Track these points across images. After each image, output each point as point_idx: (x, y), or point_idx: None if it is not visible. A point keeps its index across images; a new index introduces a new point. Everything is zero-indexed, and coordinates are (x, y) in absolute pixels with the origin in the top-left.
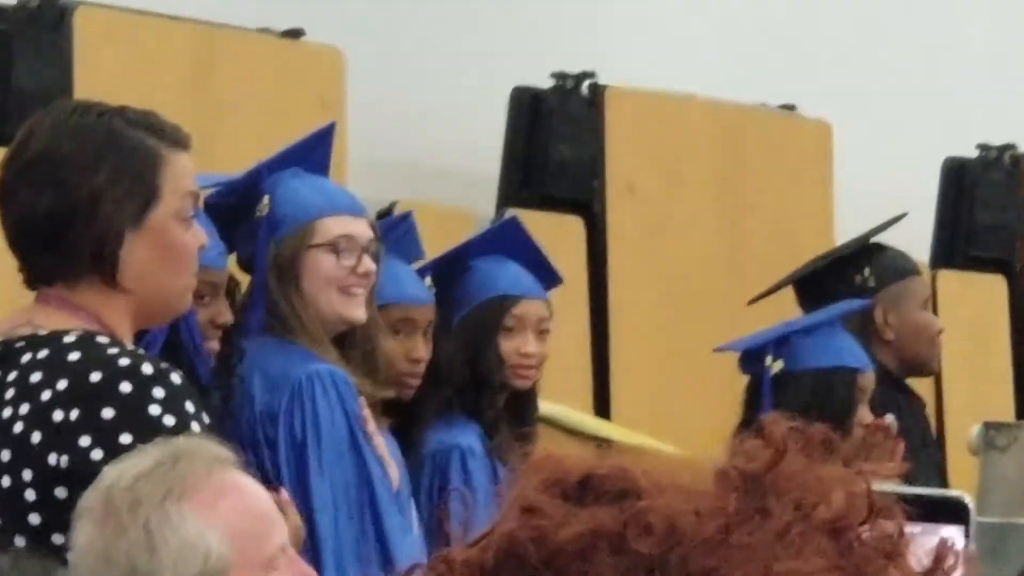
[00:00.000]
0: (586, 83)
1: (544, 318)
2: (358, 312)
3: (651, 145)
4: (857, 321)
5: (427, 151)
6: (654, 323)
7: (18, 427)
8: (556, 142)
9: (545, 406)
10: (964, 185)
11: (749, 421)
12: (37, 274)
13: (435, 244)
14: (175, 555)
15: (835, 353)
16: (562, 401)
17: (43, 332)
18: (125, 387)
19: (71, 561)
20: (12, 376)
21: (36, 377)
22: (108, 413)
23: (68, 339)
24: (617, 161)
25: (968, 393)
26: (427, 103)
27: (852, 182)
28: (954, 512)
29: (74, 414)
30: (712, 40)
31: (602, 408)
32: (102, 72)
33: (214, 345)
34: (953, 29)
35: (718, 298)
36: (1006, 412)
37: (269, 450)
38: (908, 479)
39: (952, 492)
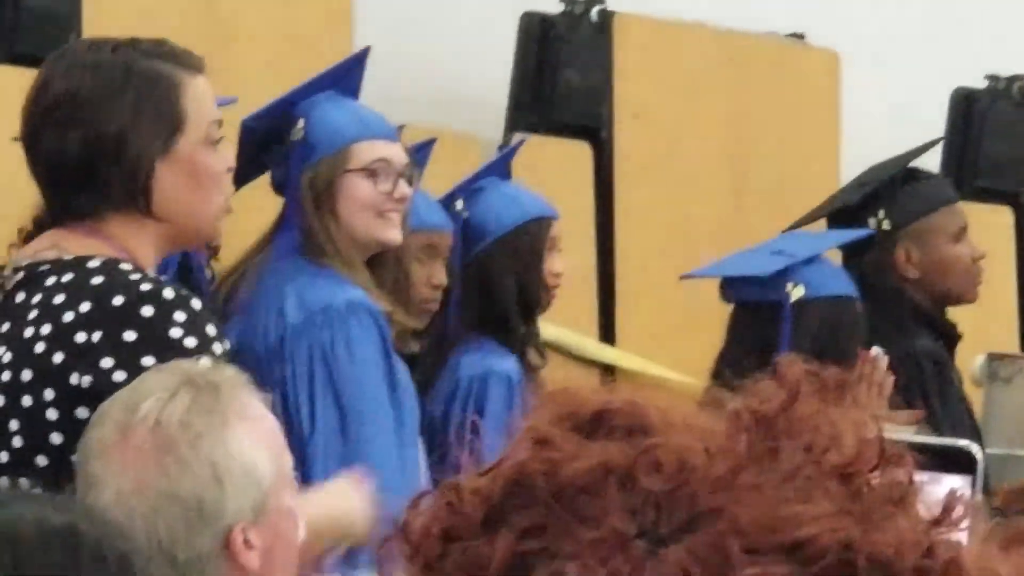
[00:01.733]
0: (595, 9)
1: (560, 236)
2: (394, 234)
3: (659, 72)
4: (874, 259)
5: (435, 76)
6: (660, 249)
7: (40, 347)
8: (564, 68)
9: (550, 330)
10: (972, 116)
11: (757, 347)
12: (70, 212)
13: (442, 169)
14: (238, 484)
15: (840, 281)
16: (567, 326)
17: (68, 256)
18: (147, 311)
19: (101, 502)
20: (37, 298)
21: (59, 299)
22: (130, 336)
23: (92, 264)
24: (625, 88)
25: (972, 324)
26: (436, 28)
27: (859, 112)
28: (962, 462)
29: (96, 336)
30: None
31: (607, 333)
32: None
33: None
34: None
35: (724, 225)
36: (1011, 344)
37: (293, 366)
38: (937, 426)
39: (960, 442)
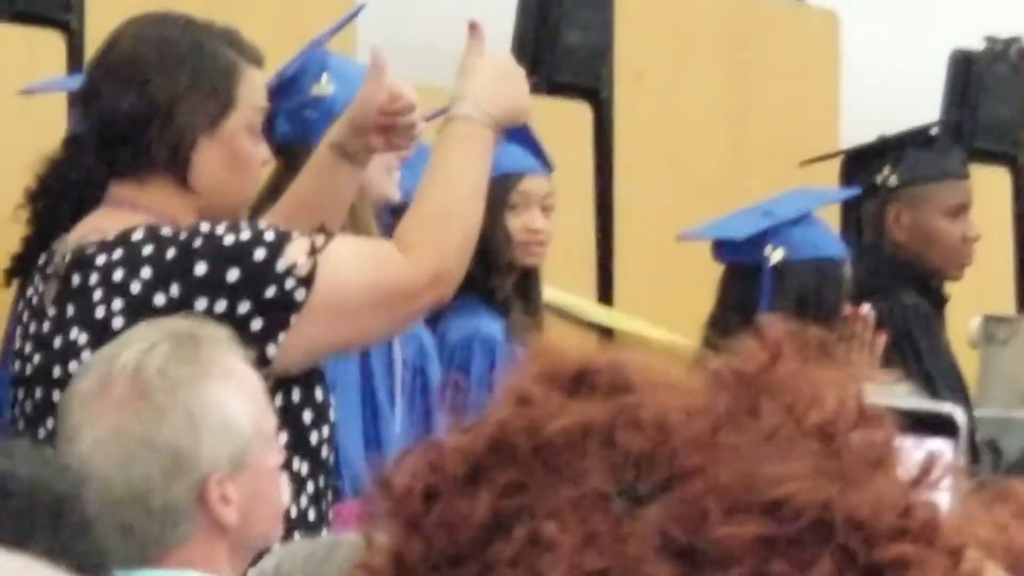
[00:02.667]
0: None
1: (548, 194)
2: (396, 191)
3: (660, 33)
4: (869, 212)
5: (437, 34)
6: (659, 211)
7: (118, 322)
8: (566, 28)
9: (548, 292)
10: (970, 77)
11: (741, 309)
12: (112, 168)
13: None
14: (214, 434)
15: (826, 242)
16: (566, 288)
17: (111, 235)
18: (197, 242)
19: (80, 452)
20: (94, 279)
21: (119, 275)
22: (201, 269)
23: (136, 236)
24: (626, 48)
25: (969, 286)
26: None
27: (858, 73)
28: (944, 426)
29: (174, 290)
30: None
31: (605, 295)
32: None
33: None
34: None
35: (724, 187)
36: (1007, 305)
37: None
38: (928, 378)
39: (943, 406)
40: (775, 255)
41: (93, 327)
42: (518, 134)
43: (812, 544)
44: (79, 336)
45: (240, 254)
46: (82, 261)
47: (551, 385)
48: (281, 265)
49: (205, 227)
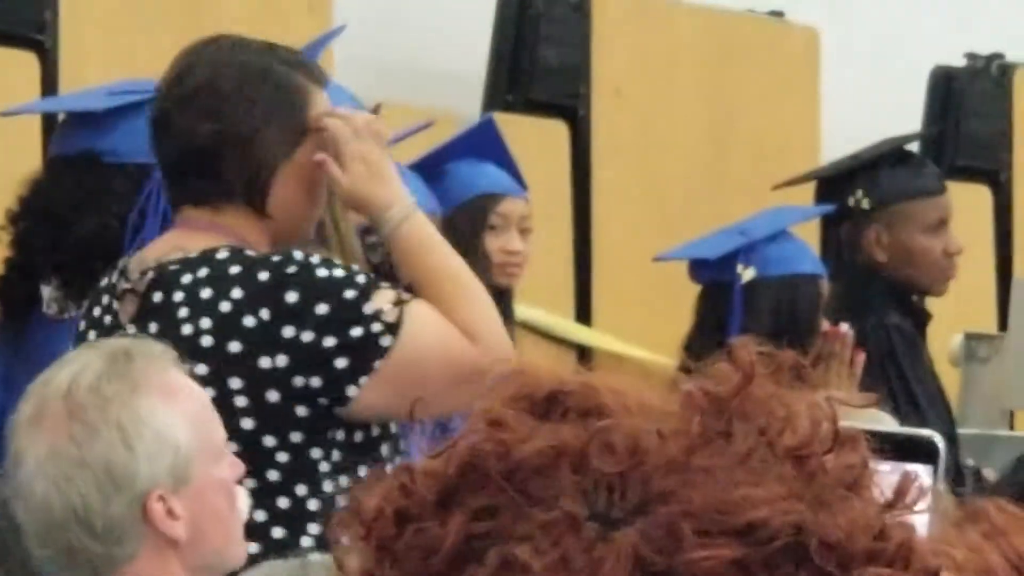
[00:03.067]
0: None
1: (526, 216)
2: None
3: (638, 50)
4: (847, 235)
5: (413, 52)
6: (638, 229)
7: (207, 340)
8: (542, 45)
9: (526, 311)
10: (951, 94)
11: (716, 329)
12: (187, 196)
13: (419, 146)
14: (150, 449)
15: (800, 259)
16: (544, 306)
17: (193, 253)
18: (291, 269)
19: (23, 476)
20: (179, 296)
21: (206, 293)
22: (292, 297)
23: (221, 255)
24: (604, 66)
25: (950, 304)
26: (414, 5)
27: (839, 89)
28: (924, 451)
29: (264, 314)
30: None
31: (583, 314)
32: None
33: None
34: None
35: (703, 205)
36: (988, 323)
37: None
38: (913, 400)
39: (922, 431)
40: (746, 273)
41: (179, 344)
42: (495, 153)
43: (786, 567)
44: None
45: (331, 290)
46: (165, 278)
47: (523, 408)
48: (369, 308)
49: (299, 255)
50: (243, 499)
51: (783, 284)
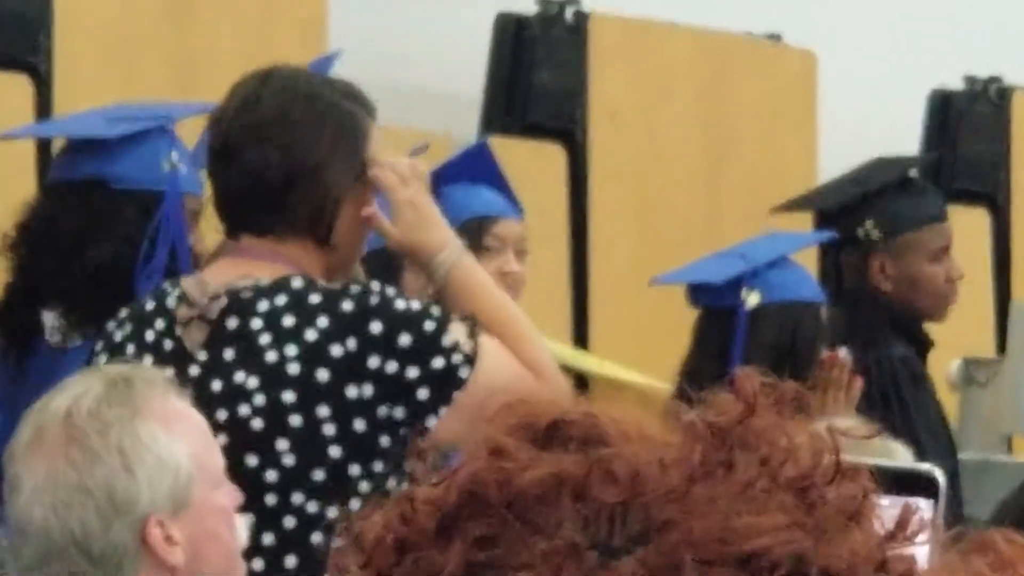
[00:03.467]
0: (570, 9)
1: (522, 237)
2: None
3: (635, 73)
4: (851, 264)
5: (410, 76)
6: (634, 252)
7: (293, 368)
8: (539, 69)
9: None
10: (949, 117)
11: (717, 354)
12: (250, 226)
13: None
14: (150, 473)
15: (803, 285)
16: (540, 330)
17: (264, 281)
18: (373, 300)
19: (21, 501)
20: (257, 324)
21: (289, 321)
22: (376, 327)
23: (296, 284)
24: (600, 89)
25: (949, 328)
26: (411, 28)
27: (837, 113)
28: (924, 485)
29: (351, 343)
30: None
31: (580, 338)
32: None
33: None
34: None
35: (699, 228)
36: (987, 347)
37: None
38: (913, 434)
39: (922, 465)
40: (750, 298)
41: (264, 372)
42: (489, 177)
43: None
44: (247, 380)
45: (412, 321)
46: (240, 304)
47: (524, 437)
48: (447, 340)
49: (376, 287)
50: (242, 527)
51: (786, 310)
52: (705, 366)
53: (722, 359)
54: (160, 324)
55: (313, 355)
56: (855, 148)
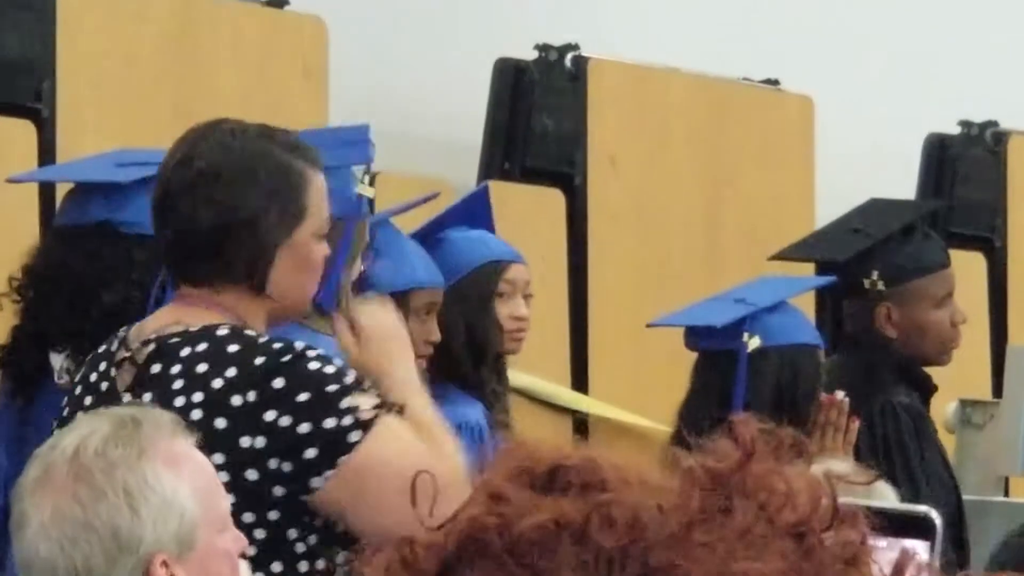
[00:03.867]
0: (569, 55)
1: (528, 282)
2: None
3: (634, 118)
4: (856, 312)
5: (409, 121)
6: (633, 296)
7: (196, 414)
8: (539, 114)
9: (522, 377)
10: (945, 162)
11: (717, 397)
12: (188, 275)
13: (414, 215)
14: (155, 514)
15: (802, 329)
16: (540, 373)
17: (194, 328)
18: (286, 358)
19: (27, 537)
20: (176, 369)
21: (202, 368)
22: (279, 383)
23: (221, 332)
24: (599, 134)
25: (945, 370)
26: (410, 73)
27: (834, 158)
28: (921, 527)
29: (251, 395)
30: (696, 13)
31: (580, 381)
32: (85, 40)
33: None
34: (936, 5)
35: (698, 272)
36: (983, 389)
37: None
38: (914, 481)
39: (919, 507)
40: (752, 342)
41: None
42: (489, 222)
43: None
44: None
45: (315, 381)
46: (164, 350)
47: (524, 482)
48: (345, 403)
49: (300, 346)
50: (246, 572)
51: (786, 354)
52: (705, 409)
53: (722, 402)
54: (103, 366)
55: (214, 403)
56: (852, 192)
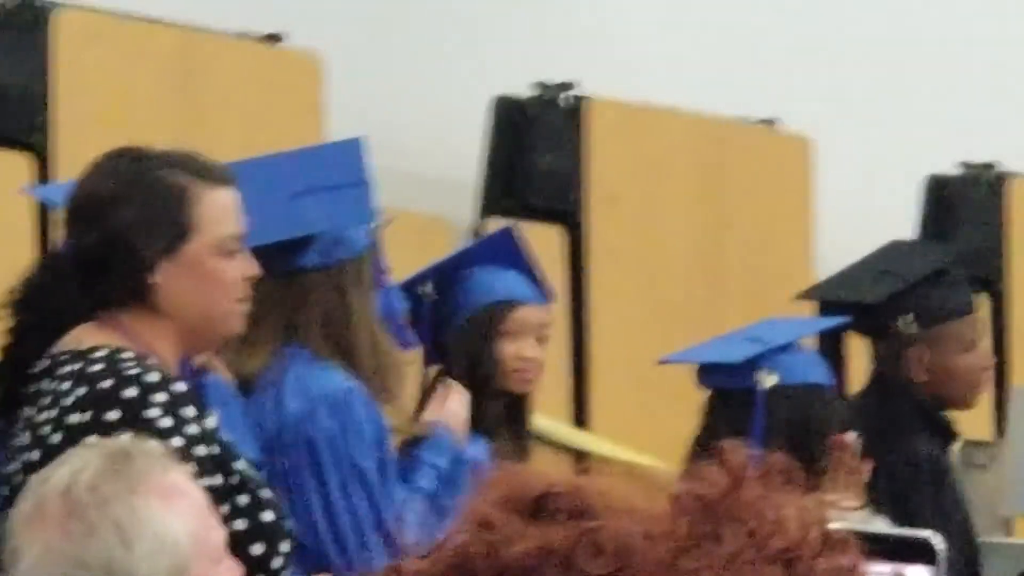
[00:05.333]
0: (568, 93)
1: (545, 323)
2: None
3: (632, 156)
4: (889, 357)
5: (407, 159)
6: (634, 334)
7: (46, 429)
8: (537, 152)
9: None
10: (945, 203)
11: (730, 435)
12: (94, 299)
13: (414, 252)
14: (148, 548)
15: (815, 369)
16: (540, 411)
17: (83, 347)
18: (130, 392)
19: (21, 573)
20: (52, 386)
21: (65, 386)
22: (112, 415)
23: (98, 353)
24: (598, 172)
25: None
26: (408, 111)
27: (833, 197)
28: (923, 552)
29: (86, 416)
30: (694, 52)
31: (580, 419)
32: (83, 74)
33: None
34: (935, 46)
35: (698, 310)
36: (984, 431)
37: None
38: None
39: (920, 532)
40: (767, 380)
41: (32, 431)
42: (515, 262)
43: None
44: (25, 437)
45: (149, 431)
46: (53, 368)
47: (512, 510)
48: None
49: (152, 379)
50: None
51: (799, 393)
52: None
53: (735, 440)
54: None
55: (58, 421)
56: (851, 231)
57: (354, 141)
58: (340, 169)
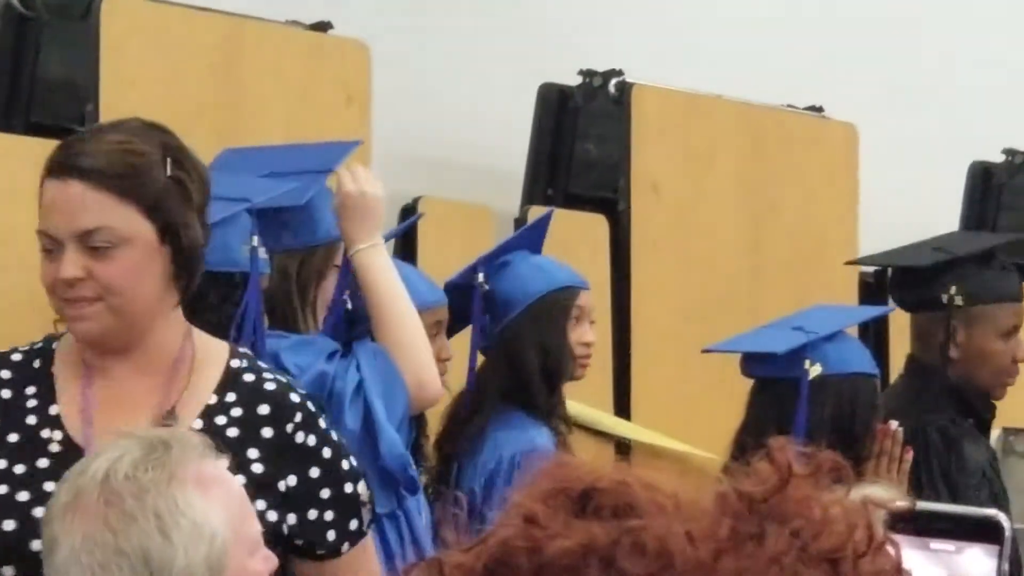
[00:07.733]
0: (613, 81)
1: (594, 308)
2: None
3: (677, 145)
4: (928, 329)
5: (452, 147)
6: (676, 323)
7: None
8: (582, 140)
9: (568, 404)
10: (990, 190)
11: (776, 424)
12: None
13: (458, 241)
14: (186, 538)
15: (861, 359)
16: (583, 399)
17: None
18: (36, 362)
19: (58, 562)
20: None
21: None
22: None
23: (37, 344)
24: (643, 160)
25: None
26: (453, 99)
27: (878, 185)
28: (989, 531)
29: (6, 393)
30: (740, 40)
31: (622, 407)
32: (129, 64)
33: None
34: (979, 33)
35: (741, 299)
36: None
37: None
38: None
39: (988, 511)
40: (813, 370)
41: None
42: (534, 247)
43: None
44: None
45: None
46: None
47: (557, 504)
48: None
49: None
50: None
51: (846, 382)
52: (762, 437)
53: (780, 430)
54: None
55: None
56: (896, 219)
57: (351, 143)
58: (316, 160)
